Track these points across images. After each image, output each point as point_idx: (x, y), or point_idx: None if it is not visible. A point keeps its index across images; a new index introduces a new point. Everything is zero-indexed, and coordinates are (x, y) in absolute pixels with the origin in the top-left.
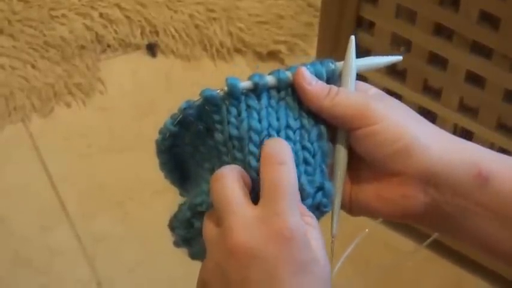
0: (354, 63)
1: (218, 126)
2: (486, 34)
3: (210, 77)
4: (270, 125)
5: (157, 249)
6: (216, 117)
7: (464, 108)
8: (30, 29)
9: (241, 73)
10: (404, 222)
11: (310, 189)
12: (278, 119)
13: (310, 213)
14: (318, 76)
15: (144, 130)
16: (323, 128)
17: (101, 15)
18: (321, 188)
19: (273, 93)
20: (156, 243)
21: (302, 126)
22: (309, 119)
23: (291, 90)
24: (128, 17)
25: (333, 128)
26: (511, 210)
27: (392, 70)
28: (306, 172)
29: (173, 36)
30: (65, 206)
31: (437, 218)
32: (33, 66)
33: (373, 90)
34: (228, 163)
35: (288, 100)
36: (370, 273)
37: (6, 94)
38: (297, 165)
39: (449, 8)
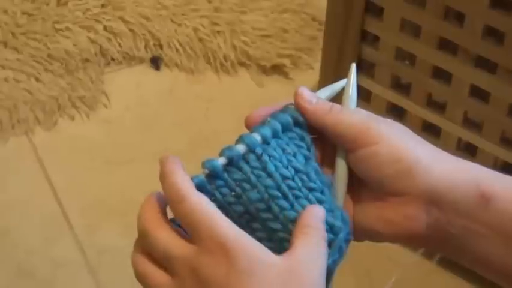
0: (355, 88)
1: (222, 209)
2: (490, 48)
3: (214, 90)
4: (266, 187)
5: None
6: (215, 203)
7: (469, 123)
8: (34, 42)
9: (245, 86)
10: (408, 245)
11: (339, 224)
12: (270, 176)
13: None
14: (284, 126)
15: (147, 143)
16: (315, 165)
17: (105, 28)
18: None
19: (251, 156)
20: None
21: (297, 171)
22: (298, 161)
23: (266, 144)
24: (132, 30)
25: (331, 155)
26: None
27: (396, 84)
28: (325, 210)
29: (177, 50)
30: (68, 218)
31: (440, 239)
32: (37, 79)
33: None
34: (253, 231)
35: (269, 153)
36: (373, 287)
37: (9, 107)
38: None
39: (453, 23)
